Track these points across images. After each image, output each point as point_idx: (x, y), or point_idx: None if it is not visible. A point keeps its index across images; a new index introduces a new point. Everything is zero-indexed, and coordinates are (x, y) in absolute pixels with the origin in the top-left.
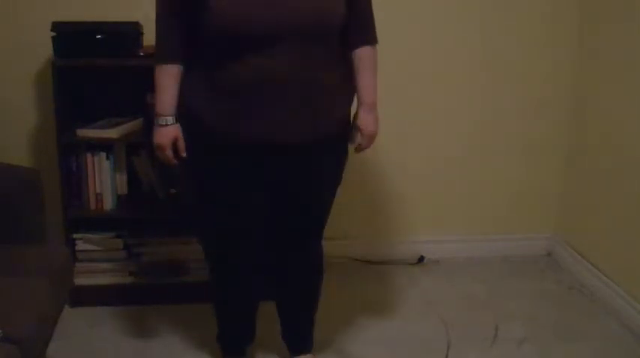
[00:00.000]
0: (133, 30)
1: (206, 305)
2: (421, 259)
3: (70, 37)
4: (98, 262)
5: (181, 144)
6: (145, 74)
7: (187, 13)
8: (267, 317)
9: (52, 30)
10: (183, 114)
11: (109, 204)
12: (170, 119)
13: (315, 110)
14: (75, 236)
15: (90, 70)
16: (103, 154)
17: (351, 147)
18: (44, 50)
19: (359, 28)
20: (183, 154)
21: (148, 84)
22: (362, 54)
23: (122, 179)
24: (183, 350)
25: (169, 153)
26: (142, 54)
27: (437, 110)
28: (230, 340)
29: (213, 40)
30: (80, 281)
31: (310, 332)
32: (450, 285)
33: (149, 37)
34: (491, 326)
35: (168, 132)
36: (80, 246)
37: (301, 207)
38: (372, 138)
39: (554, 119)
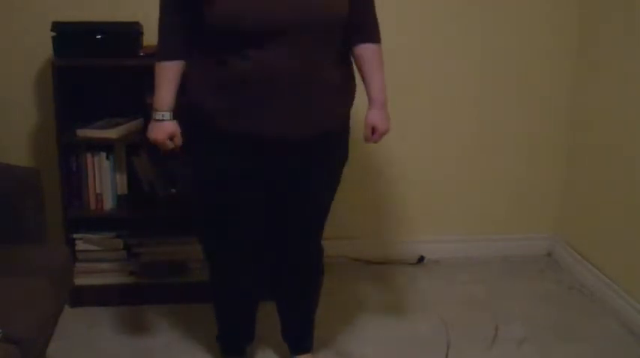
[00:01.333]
0: (133, 30)
1: (206, 305)
2: (421, 259)
3: (70, 37)
4: (98, 262)
5: (178, 140)
6: (144, 74)
7: (190, 9)
8: (267, 316)
9: (52, 30)
10: (185, 106)
11: (109, 204)
12: (167, 114)
13: (316, 107)
14: (75, 236)
15: (90, 70)
16: (103, 154)
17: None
18: (44, 50)
19: (362, 26)
20: (179, 142)
21: (147, 84)
22: (367, 52)
23: (122, 179)
24: (183, 350)
25: (168, 144)
26: (142, 54)
27: (437, 110)
28: (230, 339)
29: (216, 34)
30: (80, 281)
31: (310, 332)
32: (450, 285)
33: (149, 37)
34: (491, 326)
35: (164, 128)
36: (80, 246)
37: (300, 206)
38: (383, 135)
39: (554, 119)
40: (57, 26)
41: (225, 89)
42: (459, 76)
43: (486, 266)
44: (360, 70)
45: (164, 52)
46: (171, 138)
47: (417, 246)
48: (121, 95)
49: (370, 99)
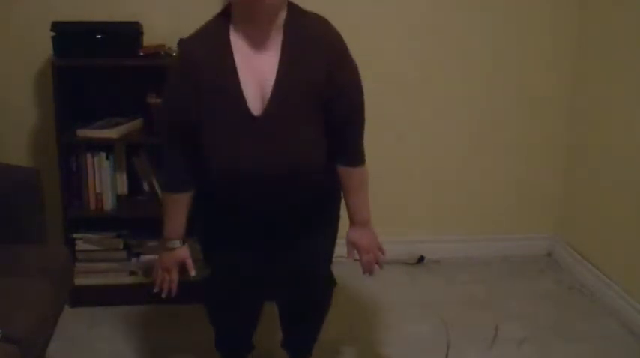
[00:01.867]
0: (133, 30)
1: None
2: (421, 259)
3: (70, 37)
4: (98, 262)
5: (190, 263)
6: (145, 74)
7: (189, 144)
8: (267, 321)
9: (52, 30)
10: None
11: (109, 204)
12: (177, 243)
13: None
14: (75, 236)
15: (90, 70)
16: (103, 154)
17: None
18: (44, 50)
19: (343, 150)
20: (193, 273)
21: (148, 84)
22: (349, 175)
23: (122, 179)
24: (184, 350)
25: (174, 275)
26: (142, 54)
27: (437, 110)
28: (228, 351)
29: (209, 170)
30: (80, 281)
31: (314, 342)
32: (450, 285)
33: (149, 37)
34: (491, 326)
35: (175, 256)
36: (80, 246)
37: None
38: (372, 251)
39: (554, 119)
40: (57, 26)
41: (221, 231)
42: (459, 76)
43: (486, 266)
44: (342, 188)
45: (171, 184)
46: (182, 264)
47: (417, 246)
48: (121, 95)
49: (350, 219)
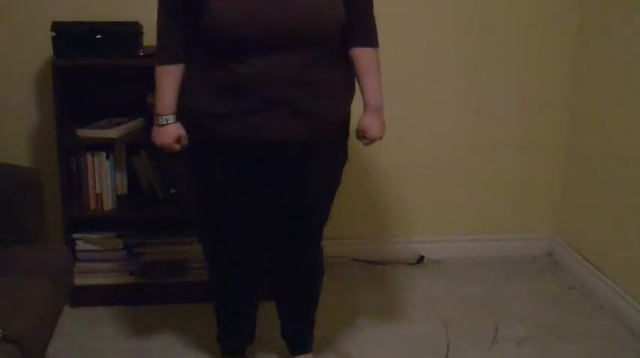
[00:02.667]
0: (133, 30)
1: (206, 305)
2: (421, 259)
3: (70, 37)
4: (98, 262)
5: (184, 141)
6: (145, 74)
7: (188, 14)
8: (267, 317)
9: (52, 30)
10: (181, 113)
11: (109, 204)
12: (170, 118)
13: (315, 111)
14: (75, 236)
15: (90, 70)
16: (103, 154)
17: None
18: (44, 50)
19: (359, 30)
20: (185, 142)
21: (148, 84)
22: (363, 56)
23: (122, 179)
24: (184, 350)
25: (174, 147)
26: (142, 54)
27: (437, 110)
28: (230, 340)
29: (213, 40)
30: (80, 281)
31: (310, 332)
32: (450, 285)
33: (149, 37)
34: (491, 326)
35: (169, 131)
36: (80, 246)
37: (300, 208)
38: (374, 141)
39: (554, 119)
40: (57, 26)
41: (223, 94)
42: (459, 75)
43: (486, 266)
44: (356, 73)
45: (164, 55)
46: (178, 140)
47: (417, 246)
48: (121, 95)
49: (365, 103)
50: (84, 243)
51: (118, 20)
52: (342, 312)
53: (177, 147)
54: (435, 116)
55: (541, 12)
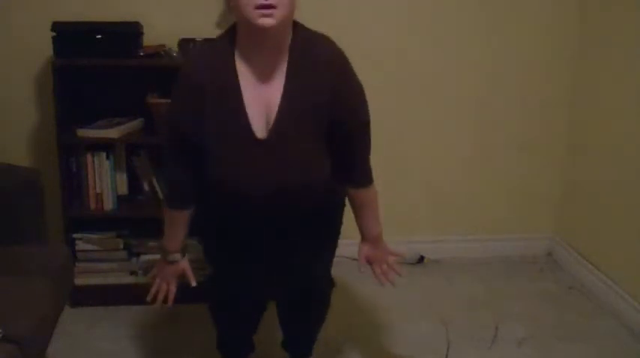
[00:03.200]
0: (133, 30)
1: (206, 305)
2: (421, 259)
3: (70, 37)
4: (98, 262)
5: (190, 274)
6: (145, 74)
7: (192, 160)
8: (268, 321)
9: (52, 30)
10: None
11: (109, 204)
12: (178, 256)
13: (296, 267)
14: (75, 236)
15: (90, 70)
16: (103, 154)
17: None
18: (44, 50)
19: (350, 171)
20: (194, 283)
21: (148, 84)
22: (358, 196)
23: (122, 179)
24: (183, 351)
25: (173, 286)
26: (141, 54)
27: (437, 110)
28: (230, 351)
29: (211, 189)
30: (80, 281)
31: (313, 342)
32: (450, 285)
33: (149, 37)
34: (491, 326)
35: (176, 268)
36: (80, 246)
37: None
38: (385, 262)
39: (554, 119)
40: (57, 26)
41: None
42: (459, 76)
43: (486, 266)
44: (351, 207)
45: (173, 201)
46: (182, 274)
47: (417, 246)
48: (121, 95)
49: (362, 235)
50: (84, 243)
51: (118, 20)
52: (342, 312)
53: (173, 288)
54: (436, 116)
55: (541, 12)
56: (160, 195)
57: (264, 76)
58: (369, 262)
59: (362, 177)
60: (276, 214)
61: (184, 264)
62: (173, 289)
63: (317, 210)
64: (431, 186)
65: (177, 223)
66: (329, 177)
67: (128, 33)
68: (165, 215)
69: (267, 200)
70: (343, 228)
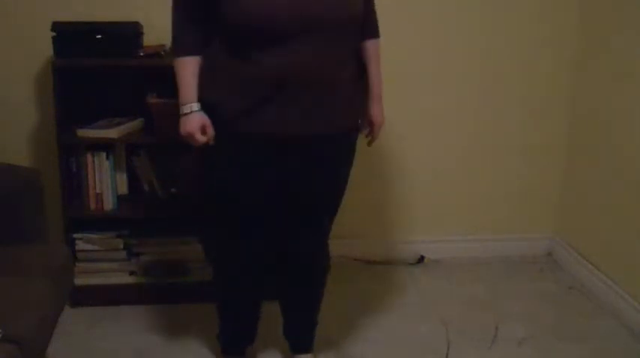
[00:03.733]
0: (133, 30)
1: (206, 305)
2: (421, 259)
3: (70, 37)
4: (98, 262)
5: (210, 130)
6: (144, 74)
7: (205, 6)
8: (269, 316)
9: (52, 30)
10: (203, 104)
11: (109, 204)
12: (195, 106)
13: (334, 105)
14: (75, 236)
15: (90, 70)
16: (103, 154)
17: (362, 137)
18: (44, 50)
19: (367, 22)
20: (212, 141)
21: (148, 84)
22: (370, 47)
23: (122, 179)
24: (183, 350)
25: (200, 138)
26: (142, 54)
27: (437, 111)
28: (230, 340)
29: (238, 32)
30: (80, 281)
31: (312, 332)
32: (450, 285)
33: (149, 37)
34: (492, 326)
35: (194, 119)
36: (80, 245)
37: (313, 199)
38: (380, 127)
39: (554, 119)
40: (57, 26)
41: (247, 88)
42: (459, 76)
43: (486, 266)
44: (365, 59)
45: (183, 47)
46: (203, 129)
47: (417, 246)
48: (121, 95)
49: (371, 91)
50: (84, 243)
51: (118, 20)
52: (343, 312)
53: (204, 138)
54: (436, 116)
55: (541, 12)
56: (160, 194)
57: None
58: (373, 123)
59: (375, 27)
60: (309, 48)
61: (201, 116)
62: (200, 139)
63: (352, 54)
64: (431, 186)
65: (188, 74)
66: (363, 12)
67: (128, 33)
68: (176, 67)
69: (302, 28)
70: (344, 228)
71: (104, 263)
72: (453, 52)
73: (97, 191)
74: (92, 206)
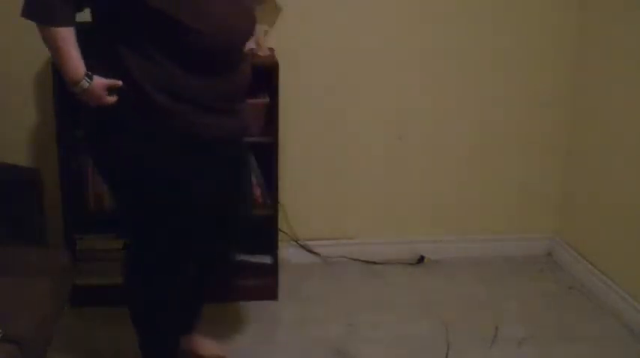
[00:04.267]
0: None
1: (206, 304)
2: (421, 259)
3: None
4: (98, 262)
5: (110, 82)
6: None
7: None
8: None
9: None
10: (129, 98)
11: (109, 204)
12: (89, 76)
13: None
14: (75, 236)
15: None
16: None
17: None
18: (44, 50)
19: None
20: (120, 83)
21: None
22: None
23: None
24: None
25: (112, 99)
26: None
27: (437, 110)
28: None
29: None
30: (80, 281)
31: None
32: (450, 285)
33: None
34: (491, 326)
35: (97, 87)
36: (80, 246)
37: (237, 206)
38: None
39: (554, 119)
40: None
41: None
42: (459, 76)
43: (486, 266)
44: None
45: (60, 17)
46: (109, 88)
47: (417, 246)
48: None
49: None
50: (84, 243)
51: None
52: (343, 312)
53: (114, 98)
54: (435, 116)
55: (542, 12)
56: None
57: None
58: None
59: None
60: (236, 60)
61: (100, 80)
62: (110, 99)
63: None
64: (431, 186)
65: (73, 44)
66: None
67: None
68: (52, 39)
69: (239, 40)
70: (343, 228)
71: (104, 263)
72: (452, 52)
73: (97, 191)
74: (92, 206)
